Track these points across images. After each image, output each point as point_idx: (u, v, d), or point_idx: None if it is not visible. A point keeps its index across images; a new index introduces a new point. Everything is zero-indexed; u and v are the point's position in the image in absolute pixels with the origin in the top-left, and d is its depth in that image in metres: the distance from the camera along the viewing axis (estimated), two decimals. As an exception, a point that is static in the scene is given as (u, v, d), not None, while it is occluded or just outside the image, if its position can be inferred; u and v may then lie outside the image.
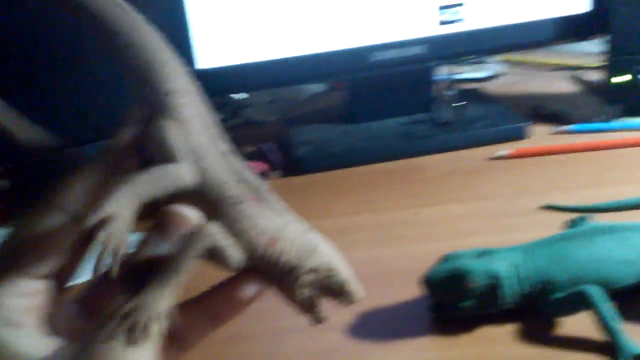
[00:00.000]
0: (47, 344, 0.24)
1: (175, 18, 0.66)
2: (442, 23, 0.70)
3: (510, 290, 0.39)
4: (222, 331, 0.43)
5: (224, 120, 0.91)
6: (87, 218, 0.23)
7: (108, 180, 0.26)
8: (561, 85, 0.88)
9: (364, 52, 0.70)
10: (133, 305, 0.24)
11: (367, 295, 0.44)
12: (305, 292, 0.27)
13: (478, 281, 0.39)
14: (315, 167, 0.70)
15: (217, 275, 0.27)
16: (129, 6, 0.27)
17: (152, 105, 0.27)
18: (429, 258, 0.42)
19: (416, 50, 0.71)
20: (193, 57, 0.68)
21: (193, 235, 0.25)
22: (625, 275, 0.40)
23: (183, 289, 0.26)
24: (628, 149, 0.64)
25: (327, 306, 0.28)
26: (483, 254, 0.41)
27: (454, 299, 0.40)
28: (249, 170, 0.27)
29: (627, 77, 0.68)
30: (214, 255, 0.26)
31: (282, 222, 0.27)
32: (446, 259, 0.41)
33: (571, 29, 0.72)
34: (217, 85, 0.71)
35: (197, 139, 0.27)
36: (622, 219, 0.50)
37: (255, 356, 0.41)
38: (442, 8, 0.70)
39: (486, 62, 1.01)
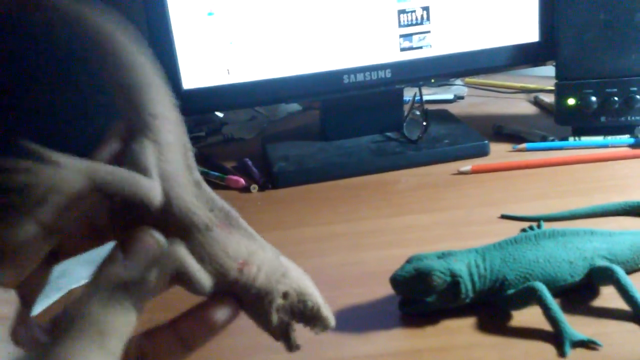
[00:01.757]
0: (10, 352, 0.24)
1: (162, 43, 0.71)
2: (403, 50, 0.76)
3: (468, 287, 0.44)
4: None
5: (205, 137, 0.95)
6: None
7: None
8: (521, 107, 0.95)
9: (336, 75, 0.76)
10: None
11: (344, 294, 0.50)
12: (278, 317, 0.28)
13: (440, 279, 0.44)
14: (292, 181, 0.74)
15: (190, 299, 0.28)
16: (126, 29, 0.28)
17: (135, 124, 0.27)
18: (398, 261, 0.47)
19: (383, 74, 0.77)
20: (179, 78, 0.73)
21: (160, 256, 0.25)
22: (567, 274, 0.45)
23: (150, 312, 0.27)
24: (577, 165, 0.70)
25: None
26: (443, 255, 0.46)
27: (418, 296, 0.45)
28: (218, 199, 0.28)
29: (573, 101, 0.74)
30: (181, 279, 0.26)
31: (253, 247, 0.28)
32: (410, 260, 0.46)
33: (524, 56, 0.79)
34: (201, 104, 0.75)
35: (172, 165, 0.27)
36: (568, 227, 0.56)
37: (240, 348, 0.45)
38: (402, 36, 0.76)
39: (452, 85, 1.08)
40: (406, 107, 0.82)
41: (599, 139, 0.75)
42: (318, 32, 0.74)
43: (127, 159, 0.27)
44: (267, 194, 0.73)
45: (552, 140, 0.76)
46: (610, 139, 0.74)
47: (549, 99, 0.92)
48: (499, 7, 0.77)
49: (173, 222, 0.27)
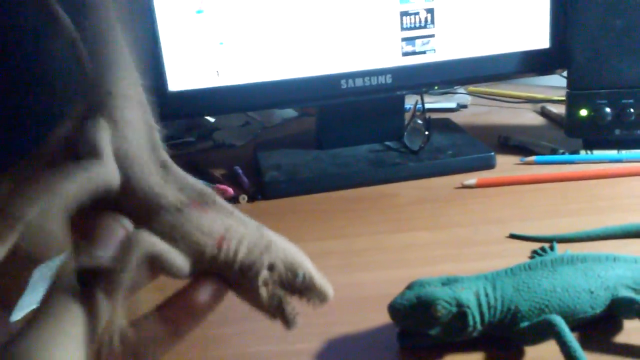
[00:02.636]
0: None
1: (147, 41, 0.66)
2: (405, 54, 0.72)
3: (476, 319, 0.39)
4: (186, 355, 0.42)
5: (194, 143, 0.90)
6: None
7: (38, 177, 0.24)
8: (527, 117, 0.90)
9: (334, 79, 0.71)
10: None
11: (335, 322, 0.45)
12: (267, 290, 0.26)
13: (445, 309, 0.39)
14: (284, 192, 0.70)
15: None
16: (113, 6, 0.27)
17: (92, 102, 0.26)
18: (397, 285, 0.42)
19: (383, 79, 0.72)
20: (165, 79, 0.68)
21: (127, 244, 0.24)
22: (587, 306, 0.40)
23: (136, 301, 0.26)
24: (590, 180, 0.66)
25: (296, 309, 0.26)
26: (448, 282, 0.41)
27: (420, 327, 0.40)
28: (191, 178, 0.27)
29: (585, 112, 0.70)
30: (155, 263, 0.25)
31: (230, 223, 0.26)
32: (412, 286, 0.41)
33: (534, 63, 0.74)
34: (188, 107, 0.70)
35: (132, 144, 0.26)
36: (585, 249, 0.51)
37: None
38: (405, 40, 0.71)
39: (455, 93, 1.03)
40: (407, 116, 0.77)
41: (612, 153, 0.70)
42: (315, 34, 0.70)
43: (80, 138, 0.25)
44: (257, 205, 0.68)
45: (563, 154, 0.72)
46: (625, 153, 0.69)
47: (557, 109, 0.88)
48: (508, 11, 0.72)
49: (137, 203, 0.25)
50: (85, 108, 0.26)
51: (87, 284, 0.24)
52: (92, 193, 0.24)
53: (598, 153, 0.70)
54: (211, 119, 0.96)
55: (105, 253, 0.24)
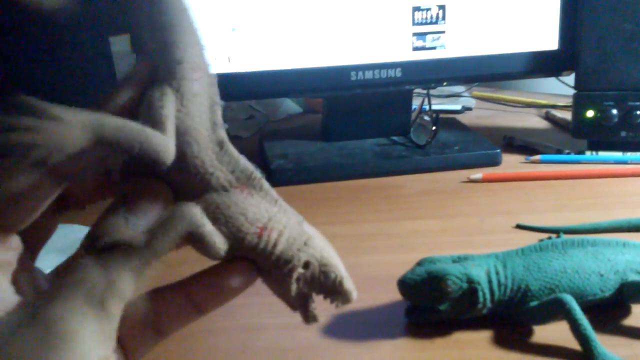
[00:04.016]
0: (7, 300, 0.22)
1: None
2: (416, 49, 0.72)
3: (486, 296, 0.39)
4: (193, 324, 0.42)
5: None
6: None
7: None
8: (531, 121, 0.91)
9: (344, 70, 0.71)
10: (95, 274, 0.22)
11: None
12: (297, 286, 0.25)
13: (455, 285, 0.39)
14: (290, 180, 0.69)
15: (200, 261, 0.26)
16: None
17: (160, 69, 0.24)
18: (404, 267, 0.42)
19: (393, 72, 0.72)
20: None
21: (172, 215, 0.23)
22: (597, 288, 0.40)
23: (159, 272, 0.24)
24: (595, 179, 0.66)
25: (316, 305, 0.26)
26: (459, 259, 0.41)
27: (429, 302, 0.40)
28: (243, 160, 0.26)
29: (592, 113, 0.70)
30: (194, 239, 0.24)
31: (274, 212, 0.26)
32: (422, 262, 0.41)
33: (542, 64, 0.74)
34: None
35: (194, 119, 0.24)
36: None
37: (225, 351, 0.40)
38: (415, 35, 0.72)
39: (459, 96, 1.04)
40: (414, 113, 0.78)
41: (617, 154, 0.70)
42: (328, 25, 0.70)
43: (143, 107, 0.24)
44: (262, 191, 0.68)
45: (568, 154, 0.72)
46: (630, 155, 0.70)
47: (561, 114, 0.88)
48: (519, 12, 0.73)
49: (186, 179, 0.24)
50: (149, 74, 0.24)
51: (110, 250, 0.23)
52: (135, 152, 0.22)
53: (603, 154, 0.71)
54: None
55: (142, 222, 0.23)
